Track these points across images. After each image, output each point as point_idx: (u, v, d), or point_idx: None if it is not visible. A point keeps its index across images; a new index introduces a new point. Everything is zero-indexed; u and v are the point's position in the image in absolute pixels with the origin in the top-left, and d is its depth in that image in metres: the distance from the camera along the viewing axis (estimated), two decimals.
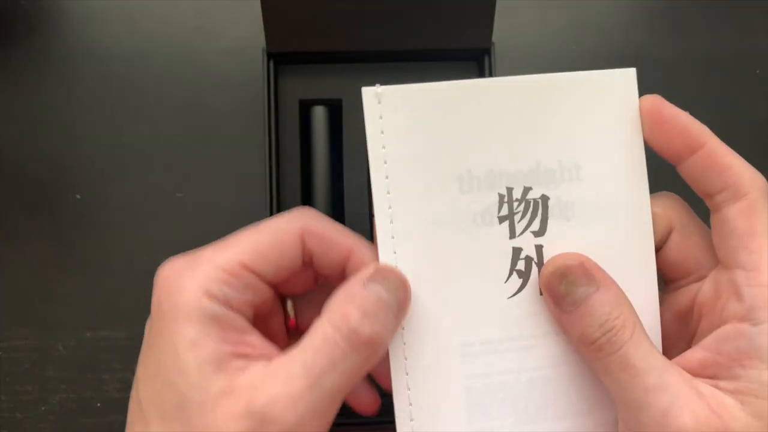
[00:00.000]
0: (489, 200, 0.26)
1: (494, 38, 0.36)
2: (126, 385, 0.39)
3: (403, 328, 0.26)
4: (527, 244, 0.27)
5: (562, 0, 0.41)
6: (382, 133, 0.26)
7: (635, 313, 0.25)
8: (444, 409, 0.27)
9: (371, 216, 0.37)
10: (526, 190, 0.26)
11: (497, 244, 0.26)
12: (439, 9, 0.35)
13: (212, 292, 0.25)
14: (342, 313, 0.24)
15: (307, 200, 0.37)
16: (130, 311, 0.40)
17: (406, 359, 0.26)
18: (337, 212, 0.37)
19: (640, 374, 0.24)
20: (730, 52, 0.42)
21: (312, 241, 0.26)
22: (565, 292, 0.25)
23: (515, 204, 0.27)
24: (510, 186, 0.26)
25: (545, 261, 0.27)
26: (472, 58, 0.38)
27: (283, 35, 0.35)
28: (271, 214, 0.35)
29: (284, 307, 0.29)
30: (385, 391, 0.28)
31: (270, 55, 0.36)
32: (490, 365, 0.27)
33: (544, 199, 0.27)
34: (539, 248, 0.27)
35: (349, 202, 0.37)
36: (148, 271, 0.40)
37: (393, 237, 0.26)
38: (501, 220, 0.27)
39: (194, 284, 0.25)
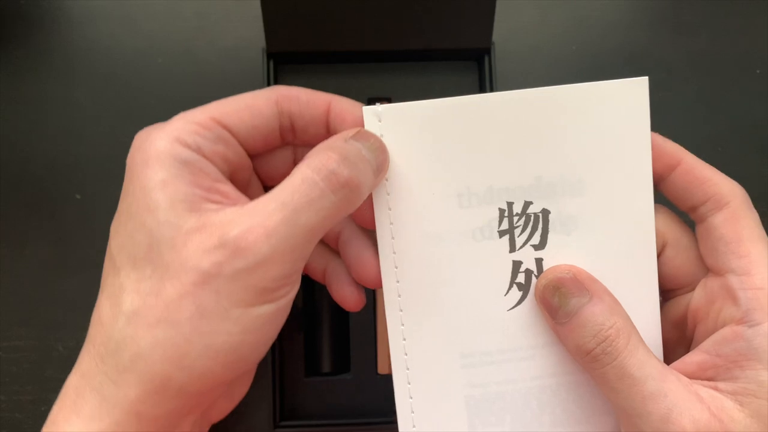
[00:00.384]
0: (489, 215, 0.27)
1: (494, 38, 0.36)
2: None
3: (405, 339, 0.27)
4: (527, 257, 0.27)
5: (562, 0, 0.41)
6: None
7: (630, 321, 0.25)
8: (445, 417, 0.27)
9: None
10: (527, 204, 0.27)
11: (497, 257, 0.27)
12: (439, 9, 0.35)
13: (183, 139, 0.25)
14: (323, 157, 0.24)
15: None
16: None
17: (408, 369, 0.27)
18: None
19: (637, 383, 0.24)
20: (730, 52, 0.42)
21: (289, 103, 0.27)
22: (558, 305, 0.26)
23: (515, 218, 0.27)
24: (510, 200, 0.27)
25: None
26: (472, 58, 0.38)
27: (283, 35, 0.36)
28: None
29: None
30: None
31: (270, 55, 0.36)
32: (490, 375, 0.27)
33: (545, 213, 0.27)
34: (539, 261, 0.27)
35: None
36: None
37: (395, 252, 0.27)
38: (501, 234, 0.27)
39: (166, 134, 0.25)
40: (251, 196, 0.27)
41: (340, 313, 0.36)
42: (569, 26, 0.41)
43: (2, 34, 0.41)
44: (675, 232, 0.28)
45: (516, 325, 0.27)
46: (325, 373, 0.37)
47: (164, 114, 0.41)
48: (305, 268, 0.30)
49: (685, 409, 0.24)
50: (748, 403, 0.24)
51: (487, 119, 0.26)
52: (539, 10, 0.41)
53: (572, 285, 0.26)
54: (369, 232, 0.29)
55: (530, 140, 0.26)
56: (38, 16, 0.41)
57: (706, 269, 0.28)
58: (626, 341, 0.25)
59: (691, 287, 0.28)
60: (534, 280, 0.27)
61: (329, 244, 0.30)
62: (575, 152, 0.26)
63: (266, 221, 0.23)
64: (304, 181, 0.24)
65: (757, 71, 0.41)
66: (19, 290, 0.39)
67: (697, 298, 0.27)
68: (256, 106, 0.27)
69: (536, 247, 0.27)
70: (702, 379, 0.25)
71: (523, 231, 0.27)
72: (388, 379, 0.37)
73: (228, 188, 0.25)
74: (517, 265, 0.27)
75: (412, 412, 0.27)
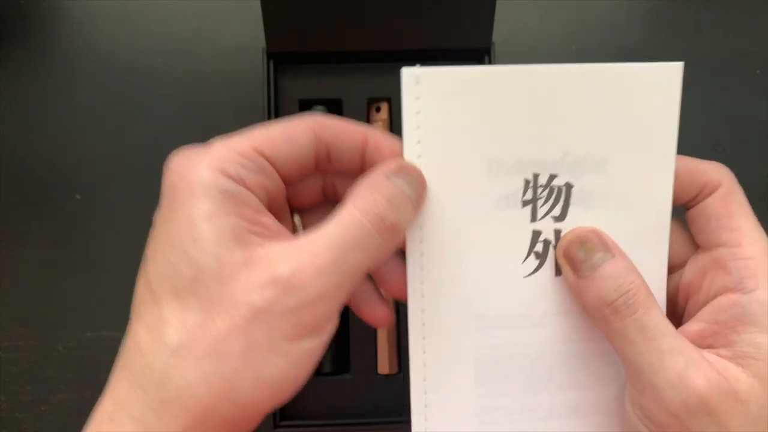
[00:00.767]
0: (515, 185, 0.27)
1: (494, 38, 0.36)
2: None
3: (423, 296, 0.28)
4: (547, 228, 0.28)
5: (562, 0, 0.41)
6: (418, 113, 0.27)
7: (647, 284, 0.26)
8: (455, 373, 0.28)
9: None
10: (552, 177, 0.27)
11: (518, 226, 0.28)
12: (439, 9, 0.35)
13: (227, 170, 0.25)
14: (370, 200, 0.25)
15: None
16: (130, 311, 0.40)
17: (424, 325, 0.28)
18: None
19: (656, 337, 0.25)
20: (730, 52, 0.42)
21: (326, 133, 0.27)
22: (584, 258, 0.27)
23: (540, 189, 0.27)
24: (537, 172, 0.27)
25: None
26: (472, 58, 0.38)
27: (283, 35, 0.36)
28: None
29: (292, 221, 0.30)
30: (397, 298, 0.29)
31: (270, 55, 0.36)
32: (503, 338, 0.28)
33: (568, 186, 0.28)
34: (558, 232, 0.28)
35: None
36: None
37: (420, 214, 0.27)
38: (524, 204, 0.28)
39: (209, 163, 0.25)
40: (282, 221, 0.27)
41: (340, 317, 0.36)
42: (569, 26, 0.41)
43: (2, 34, 0.41)
44: None
45: (531, 292, 0.28)
46: (325, 373, 0.37)
47: (164, 114, 0.41)
48: None
49: (700, 367, 0.25)
50: (748, 365, 0.25)
51: (523, 90, 0.27)
52: (539, 10, 0.41)
53: (598, 241, 0.27)
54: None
55: (562, 115, 0.27)
56: (38, 16, 0.41)
57: (694, 249, 0.29)
58: (645, 298, 0.26)
59: (680, 266, 0.29)
60: (551, 250, 0.28)
61: None
62: (603, 131, 0.27)
63: (316, 260, 0.24)
64: (353, 224, 0.24)
65: (757, 71, 0.41)
66: (19, 290, 0.39)
67: (688, 273, 0.28)
68: (295, 135, 0.27)
69: (556, 219, 0.28)
70: (701, 347, 0.26)
71: (545, 202, 0.28)
72: (388, 379, 0.37)
73: (269, 220, 0.26)
74: (536, 234, 0.28)
75: (424, 365, 0.28)
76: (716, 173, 0.28)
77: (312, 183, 0.29)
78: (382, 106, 0.38)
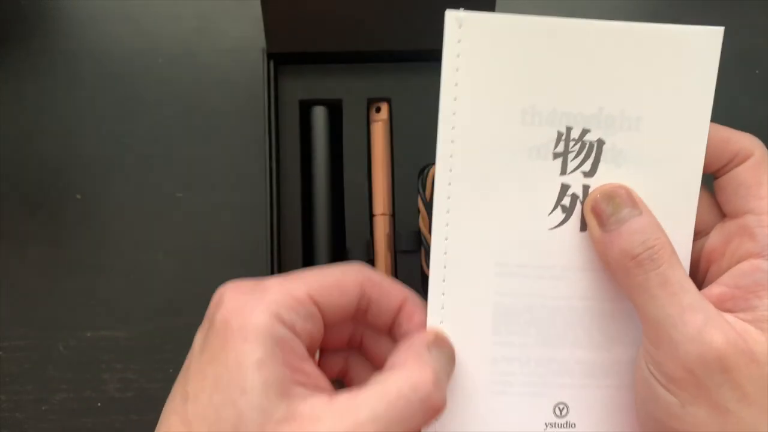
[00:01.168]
0: (547, 136, 0.27)
1: None
2: (126, 384, 0.39)
3: (447, 239, 0.28)
4: (576, 182, 0.28)
5: (562, 0, 0.41)
6: (458, 56, 0.27)
7: (671, 242, 0.27)
8: (472, 317, 0.28)
9: (371, 216, 0.37)
10: (585, 131, 0.27)
11: (548, 178, 0.28)
12: (439, 9, 0.35)
13: (282, 316, 0.25)
14: (419, 376, 0.25)
15: (307, 200, 0.37)
16: (130, 311, 0.40)
17: (445, 268, 0.28)
18: (337, 212, 0.37)
19: (678, 292, 0.25)
20: (730, 52, 0.41)
21: (372, 289, 0.28)
22: (611, 212, 0.27)
23: (572, 143, 0.28)
24: (570, 125, 0.27)
25: None
26: None
27: (283, 35, 0.36)
28: (271, 213, 0.35)
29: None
30: None
31: (270, 56, 0.36)
32: (522, 287, 0.28)
33: (600, 143, 0.28)
34: (586, 188, 0.28)
35: (349, 202, 0.37)
36: (149, 271, 0.40)
37: (451, 156, 0.27)
38: (555, 156, 0.28)
39: (266, 306, 0.25)
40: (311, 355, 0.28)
41: None
42: None
43: (2, 34, 0.41)
44: None
45: (554, 245, 0.28)
46: None
47: (164, 114, 0.41)
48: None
49: (719, 325, 0.25)
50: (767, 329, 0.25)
51: (563, 42, 0.27)
52: (539, 10, 0.41)
53: (626, 197, 0.27)
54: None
55: (600, 71, 0.27)
56: (38, 16, 0.41)
57: (719, 218, 0.29)
58: (670, 255, 0.26)
59: (704, 233, 0.29)
60: (579, 205, 0.28)
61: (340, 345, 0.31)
62: (640, 90, 0.27)
63: (359, 429, 0.24)
64: (401, 398, 0.25)
65: (757, 71, 0.41)
66: (19, 290, 0.39)
67: (712, 240, 0.29)
68: (345, 286, 0.27)
69: (586, 174, 0.28)
70: (722, 311, 0.26)
71: (576, 156, 0.28)
72: None
73: (310, 367, 0.26)
74: (565, 188, 0.28)
75: (442, 308, 0.28)
76: (749, 143, 0.28)
77: (344, 329, 0.29)
78: (382, 106, 0.38)
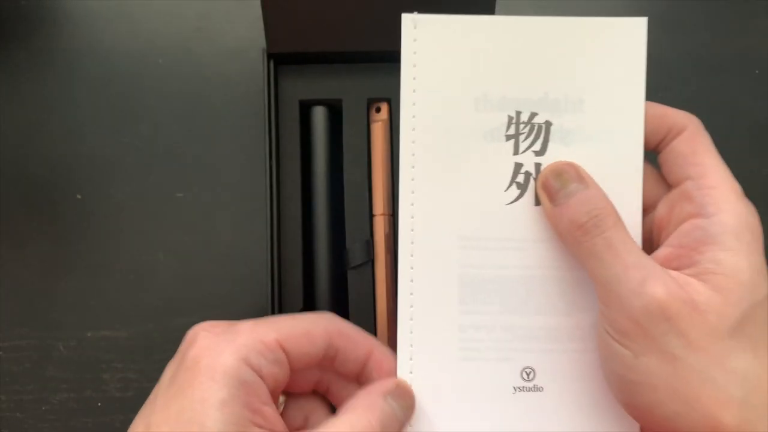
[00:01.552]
0: (499, 120, 0.30)
1: None
2: (126, 384, 0.39)
3: (413, 217, 0.31)
4: (528, 161, 0.31)
5: (561, 0, 0.41)
6: (415, 53, 0.30)
7: (617, 211, 0.29)
8: (440, 289, 0.31)
9: (371, 207, 0.37)
10: (533, 115, 0.31)
11: (502, 158, 0.31)
12: (439, 9, 0.35)
13: (250, 359, 0.27)
14: (365, 421, 0.27)
15: (307, 200, 0.37)
16: (131, 311, 0.40)
17: (412, 243, 0.30)
18: (336, 212, 0.37)
19: (621, 254, 0.27)
20: (730, 52, 0.42)
21: (340, 339, 0.30)
22: (559, 187, 0.29)
23: (522, 126, 0.30)
24: (519, 110, 0.30)
25: None
26: None
27: (283, 35, 0.36)
28: (272, 213, 0.35)
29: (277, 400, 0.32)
30: None
31: (270, 56, 0.36)
32: (485, 259, 0.31)
33: (548, 124, 0.30)
34: (538, 166, 0.31)
35: (349, 202, 0.37)
36: (148, 271, 0.40)
37: (414, 141, 0.30)
38: (508, 138, 0.30)
39: (236, 349, 0.27)
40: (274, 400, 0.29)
41: (339, 312, 0.36)
42: None
43: (2, 34, 0.41)
44: None
45: (512, 218, 0.31)
46: None
47: (165, 114, 0.41)
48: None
49: (659, 278, 0.27)
50: (709, 279, 0.27)
51: (509, 37, 0.30)
52: (539, 10, 0.41)
53: (573, 173, 0.29)
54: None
55: (543, 60, 0.30)
56: (38, 16, 0.41)
57: (665, 190, 0.31)
58: (614, 221, 0.28)
59: (653, 207, 0.31)
60: (532, 182, 0.30)
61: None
62: (579, 75, 0.30)
63: None
64: None
65: (757, 71, 0.41)
66: (19, 290, 0.39)
67: (660, 210, 0.31)
68: (314, 335, 0.29)
69: (537, 153, 0.30)
70: (669, 269, 0.28)
71: (527, 138, 0.30)
72: None
73: (270, 411, 0.27)
74: (518, 166, 0.30)
75: (411, 280, 0.31)
76: (682, 118, 0.30)
77: (310, 375, 0.31)
78: (382, 106, 0.38)
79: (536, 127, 0.31)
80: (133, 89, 0.40)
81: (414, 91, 0.30)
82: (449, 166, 0.30)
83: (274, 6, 0.34)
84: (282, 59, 0.37)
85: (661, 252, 0.29)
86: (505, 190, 0.31)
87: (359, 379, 0.30)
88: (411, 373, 0.30)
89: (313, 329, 0.29)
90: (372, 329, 0.36)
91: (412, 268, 0.31)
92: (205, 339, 0.27)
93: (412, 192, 0.31)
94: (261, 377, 0.27)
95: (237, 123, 0.41)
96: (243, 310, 0.39)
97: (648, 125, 0.30)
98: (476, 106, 0.30)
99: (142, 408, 0.27)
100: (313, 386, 0.31)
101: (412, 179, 0.30)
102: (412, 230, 0.31)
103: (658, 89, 0.41)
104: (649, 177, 0.31)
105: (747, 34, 0.42)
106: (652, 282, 0.26)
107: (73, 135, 0.40)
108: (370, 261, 0.37)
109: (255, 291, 0.39)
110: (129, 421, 0.27)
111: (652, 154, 0.31)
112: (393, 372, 0.30)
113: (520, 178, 0.31)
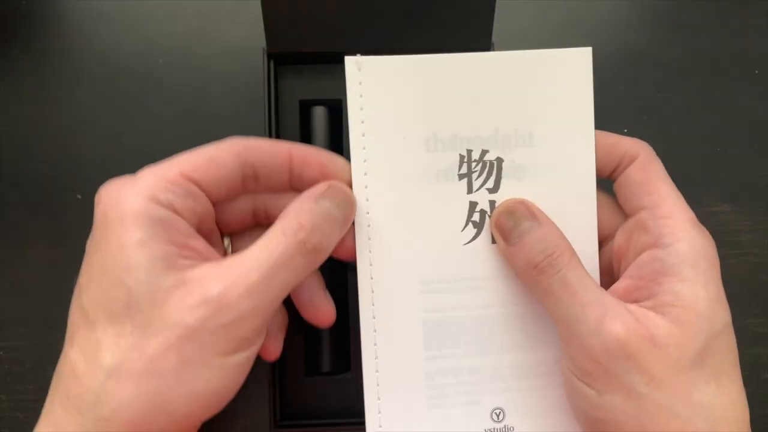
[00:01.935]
0: (451, 160, 0.30)
1: (494, 38, 0.36)
2: None
3: (371, 265, 0.30)
4: (482, 199, 0.30)
5: (561, 0, 0.41)
6: (361, 96, 0.30)
7: (572, 247, 0.28)
8: (403, 336, 0.30)
9: None
10: (484, 152, 0.30)
11: (456, 198, 0.30)
12: (439, 9, 0.35)
13: (157, 197, 0.26)
14: (295, 224, 0.26)
15: None
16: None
17: (373, 292, 0.30)
18: None
19: (577, 292, 0.27)
20: (730, 52, 0.42)
21: (250, 154, 0.28)
22: (512, 226, 0.29)
23: (474, 164, 0.30)
24: (470, 148, 0.30)
25: None
26: None
27: (283, 35, 0.36)
28: None
29: (223, 244, 0.31)
30: (346, 260, 0.31)
31: (270, 56, 0.36)
32: (446, 302, 0.30)
33: (499, 161, 0.30)
34: (492, 203, 0.30)
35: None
36: None
37: (366, 186, 0.30)
38: (460, 177, 0.30)
39: (139, 192, 0.26)
40: (214, 245, 0.29)
41: (340, 313, 0.36)
42: (569, 26, 0.41)
43: (2, 34, 0.41)
44: None
45: (470, 258, 0.30)
46: (325, 372, 0.37)
47: (165, 114, 0.41)
48: None
49: (617, 315, 0.26)
50: (668, 312, 0.27)
51: (455, 75, 0.30)
52: (539, 10, 0.41)
53: (525, 211, 0.29)
54: (317, 274, 0.32)
55: (491, 96, 0.30)
56: (38, 16, 0.41)
57: (622, 219, 0.31)
58: (569, 258, 0.28)
59: (611, 236, 0.31)
60: (487, 219, 0.30)
61: None
62: (528, 109, 0.30)
63: (245, 280, 0.25)
64: (279, 245, 0.26)
65: (756, 71, 0.41)
66: (19, 290, 0.39)
67: (618, 239, 0.31)
68: (220, 159, 0.28)
69: (490, 191, 0.30)
70: (628, 302, 0.28)
71: (480, 175, 0.30)
72: None
73: (199, 243, 0.27)
74: (473, 205, 0.30)
75: (374, 330, 0.30)
76: (634, 145, 0.30)
77: (242, 205, 0.30)
78: None
79: (488, 164, 0.30)
80: (134, 89, 0.40)
81: (363, 135, 0.30)
82: (404, 209, 0.30)
83: (274, 6, 0.34)
84: (282, 59, 0.37)
85: (621, 284, 0.29)
86: (462, 230, 0.30)
87: (294, 189, 0.30)
88: (380, 427, 0.30)
89: (217, 153, 0.28)
90: None
91: (374, 317, 0.30)
92: (108, 193, 0.27)
93: (369, 239, 0.30)
94: (177, 213, 0.26)
95: (237, 123, 0.41)
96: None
97: (600, 155, 0.30)
98: (427, 147, 0.30)
99: None
100: (252, 217, 0.30)
101: (368, 226, 0.30)
102: (371, 278, 0.30)
103: (658, 89, 0.41)
104: (606, 206, 0.31)
105: (747, 34, 0.42)
106: (610, 319, 0.26)
107: (73, 135, 0.40)
108: None
109: None
110: None
111: (609, 182, 0.31)
112: (322, 165, 0.29)
113: (476, 217, 0.30)
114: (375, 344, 0.30)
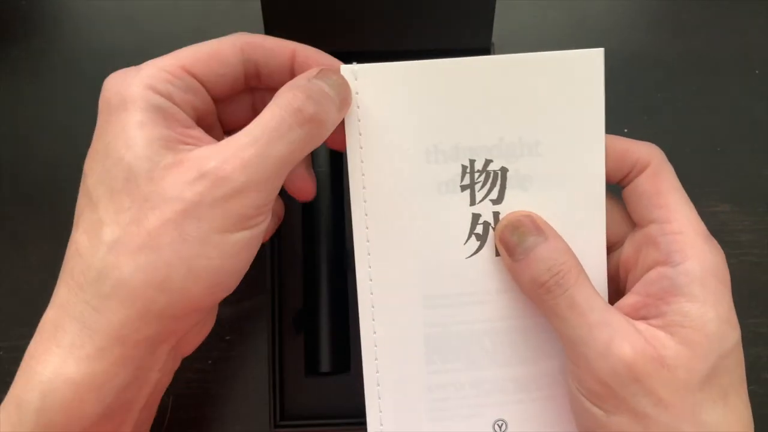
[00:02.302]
0: (453, 171, 0.29)
1: (494, 38, 0.36)
2: None
3: (371, 280, 0.29)
4: (486, 210, 0.29)
5: (562, 0, 0.41)
6: (358, 107, 0.28)
7: (579, 263, 0.28)
8: (405, 352, 0.30)
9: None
10: (488, 162, 0.29)
11: (459, 210, 0.29)
12: (439, 9, 0.35)
13: (157, 87, 0.26)
14: (289, 95, 0.26)
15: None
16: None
17: (373, 308, 0.29)
18: (337, 213, 0.37)
19: (585, 312, 0.26)
20: (730, 52, 0.42)
21: (254, 51, 0.28)
22: (517, 242, 0.28)
23: (476, 174, 0.29)
24: (473, 158, 0.29)
25: None
26: None
27: (283, 36, 0.35)
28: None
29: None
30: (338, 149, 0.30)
31: None
32: (448, 316, 0.30)
33: (504, 170, 0.29)
34: (496, 215, 0.29)
35: (350, 202, 0.37)
36: None
37: (365, 201, 0.29)
38: (463, 188, 0.29)
39: (140, 80, 0.26)
40: (216, 139, 0.28)
41: (339, 312, 0.36)
42: (569, 26, 0.41)
43: (2, 34, 0.41)
44: None
45: (473, 272, 0.29)
46: (325, 372, 0.37)
47: None
48: None
49: (626, 337, 0.26)
50: (676, 332, 0.26)
51: (456, 81, 0.28)
52: (539, 10, 0.41)
53: (530, 225, 0.28)
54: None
55: (495, 103, 0.28)
56: (38, 16, 0.41)
57: (631, 226, 0.30)
58: (576, 276, 0.27)
59: (619, 244, 0.30)
60: (491, 231, 0.29)
61: None
62: (534, 116, 0.28)
63: (241, 153, 0.25)
64: (273, 118, 0.25)
65: (756, 71, 0.41)
66: (19, 290, 0.39)
67: (625, 250, 0.30)
68: (223, 54, 0.28)
69: (494, 202, 0.29)
70: (636, 319, 0.27)
71: (483, 186, 0.29)
72: None
73: (198, 133, 0.27)
74: (476, 217, 0.29)
75: (376, 346, 0.29)
76: (646, 152, 0.29)
77: (243, 101, 0.30)
78: None
79: (492, 175, 0.29)
80: None
81: (361, 147, 0.28)
82: (404, 223, 0.29)
83: (274, 6, 0.34)
84: None
85: (629, 300, 0.28)
86: (464, 243, 0.29)
87: None
88: (381, 426, 0.30)
89: (220, 48, 0.28)
90: None
91: (374, 332, 0.29)
92: (111, 81, 0.27)
93: (368, 254, 0.29)
94: (175, 104, 0.26)
95: None
96: (243, 309, 0.39)
97: (610, 161, 0.29)
98: (427, 158, 0.29)
99: None
100: (252, 113, 0.29)
101: (367, 240, 0.29)
102: (372, 294, 0.29)
103: (658, 89, 0.41)
104: (615, 213, 0.30)
105: (747, 34, 0.42)
106: (618, 341, 0.26)
107: (73, 135, 0.40)
108: None
109: (255, 291, 0.39)
110: None
111: (617, 187, 0.30)
112: (324, 65, 0.28)
113: (479, 229, 0.29)
114: (376, 359, 0.30)
